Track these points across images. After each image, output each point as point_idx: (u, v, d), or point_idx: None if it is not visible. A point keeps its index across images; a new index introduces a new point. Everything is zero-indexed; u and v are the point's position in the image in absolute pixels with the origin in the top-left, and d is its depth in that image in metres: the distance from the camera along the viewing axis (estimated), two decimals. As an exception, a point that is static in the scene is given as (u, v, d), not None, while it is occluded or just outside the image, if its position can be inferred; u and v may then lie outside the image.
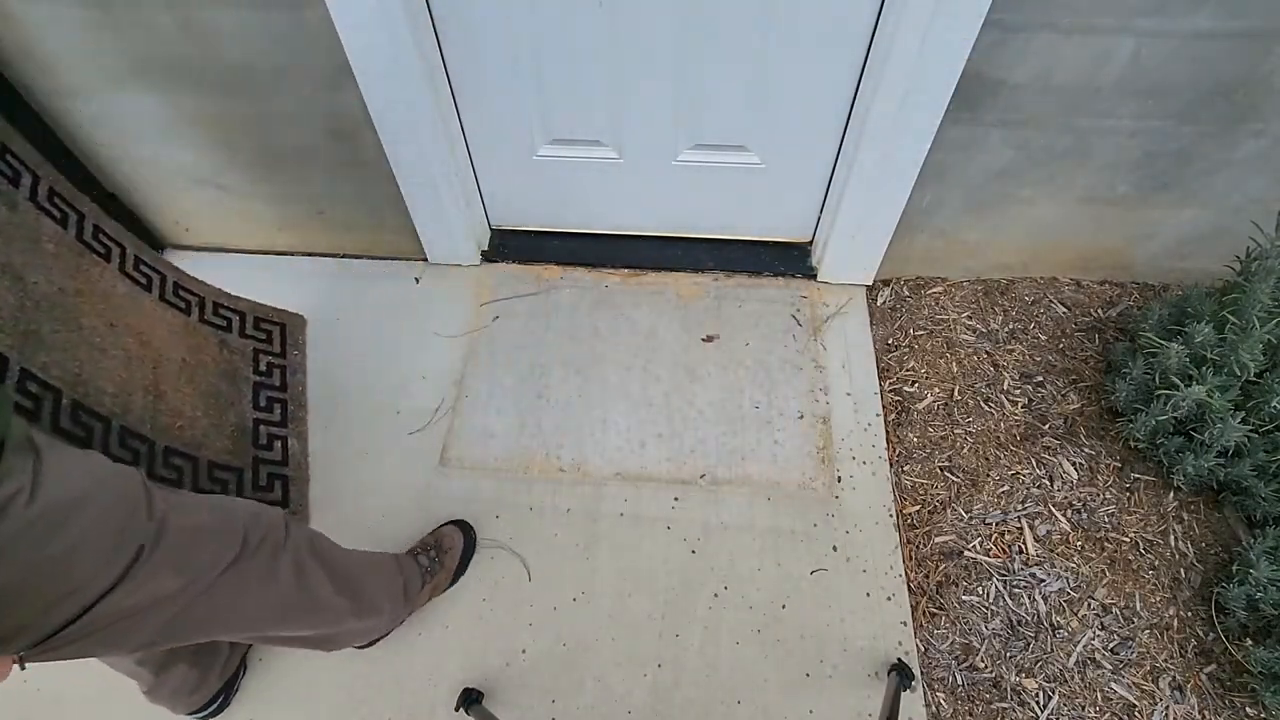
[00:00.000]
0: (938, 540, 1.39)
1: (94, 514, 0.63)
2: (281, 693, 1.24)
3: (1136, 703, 1.22)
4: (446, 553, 1.31)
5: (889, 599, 1.31)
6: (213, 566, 0.76)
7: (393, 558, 1.20)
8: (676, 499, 1.44)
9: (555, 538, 1.39)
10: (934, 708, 1.22)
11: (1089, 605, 1.31)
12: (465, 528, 1.37)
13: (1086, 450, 1.48)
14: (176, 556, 0.71)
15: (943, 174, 1.47)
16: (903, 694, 1.14)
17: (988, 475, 1.46)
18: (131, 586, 0.66)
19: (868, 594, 1.32)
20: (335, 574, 0.98)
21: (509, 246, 1.84)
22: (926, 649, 1.28)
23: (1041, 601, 1.32)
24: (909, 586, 1.33)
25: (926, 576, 1.36)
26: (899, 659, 1.24)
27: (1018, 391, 1.58)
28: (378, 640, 1.25)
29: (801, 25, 1.29)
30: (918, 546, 1.39)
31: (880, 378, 1.61)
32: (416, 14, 1.28)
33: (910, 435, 1.53)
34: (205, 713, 1.18)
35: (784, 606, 1.31)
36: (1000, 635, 1.29)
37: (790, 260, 1.80)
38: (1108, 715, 1.21)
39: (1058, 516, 1.41)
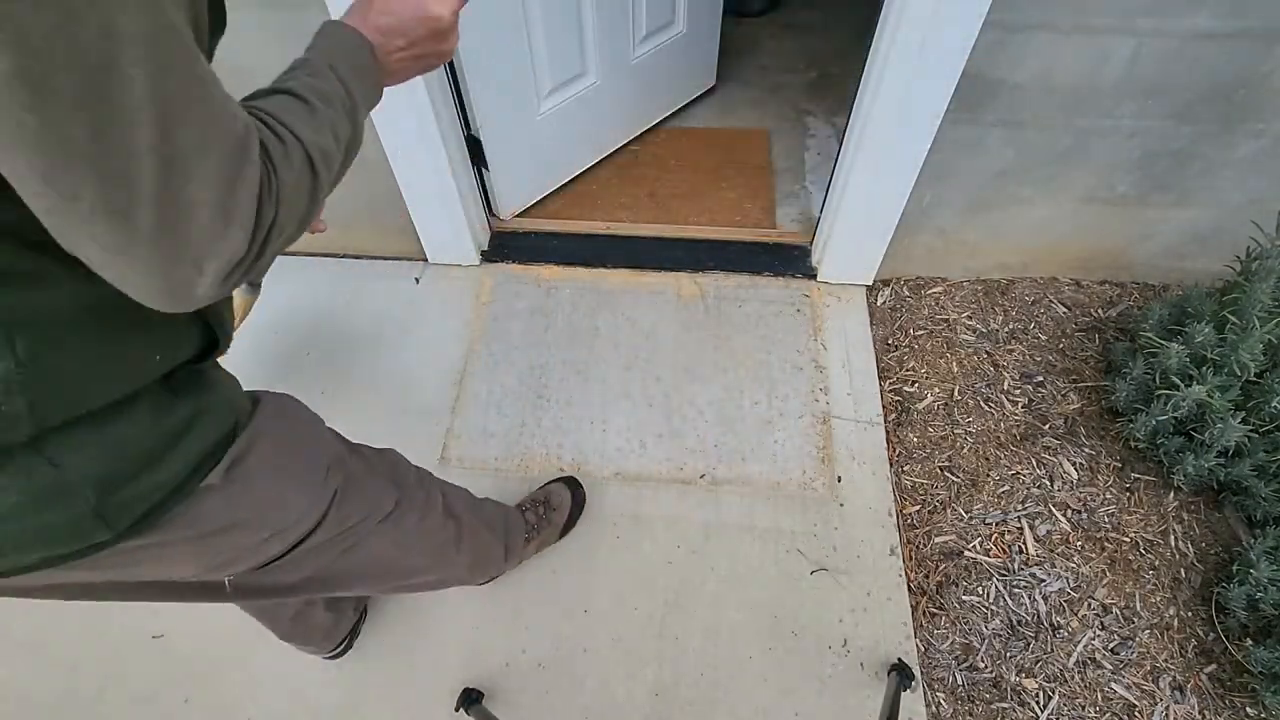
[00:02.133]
0: (938, 540, 1.39)
1: (306, 456, 0.68)
2: (282, 692, 1.24)
3: (1136, 703, 1.22)
4: (555, 510, 1.33)
5: (889, 599, 1.31)
6: (381, 512, 0.79)
7: (506, 513, 1.21)
8: (676, 499, 1.44)
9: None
10: (934, 708, 1.22)
11: (1089, 605, 1.31)
12: (574, 485, 1.40)
13: (1086, 450, 1.48)
14: (358, 502, 0.74)
15: (943, 174, 1.47)
16: (903, 694, 1.14)
17: (988, 475, 1.46)
18: (327, 528, 0.69)
19: (868, 594, 1.32)
20: (464, 530, 1.01)
21: (509, 246, 1.84)
22: (926, 649, 1.28)
23: (1041, 601, 1.32)
24: (909, 586, 1.33)
25: (926, 576, 1.36)
26: (899, 659, 1.24)
27: (1018, 391, 1.58)
28: (492, 579, 1.28)
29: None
30: (918, 546, 1.39)
31: (880, 378, 1.61)
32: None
33: (910, 435, 1.53)
34: (336, 653, 1.23)
35: (784, 606, 1.31)
36: (1000, 635, 1.29)
37: (790, 260, 1.80)
38: (1108, 715, 1.21)
39: (1058, 516, 1.41)
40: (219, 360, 0.62)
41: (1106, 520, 1.40)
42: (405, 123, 1.43)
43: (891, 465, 1.48)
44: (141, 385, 0.50)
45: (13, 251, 0.39)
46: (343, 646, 1.23)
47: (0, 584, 0.53)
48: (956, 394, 1.57)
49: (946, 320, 1.70)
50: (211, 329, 0.56)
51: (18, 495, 0.45)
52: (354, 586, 0.82)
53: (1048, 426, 1.52)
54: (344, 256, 1.84)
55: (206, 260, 0.38)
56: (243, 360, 1.64)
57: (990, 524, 1.40)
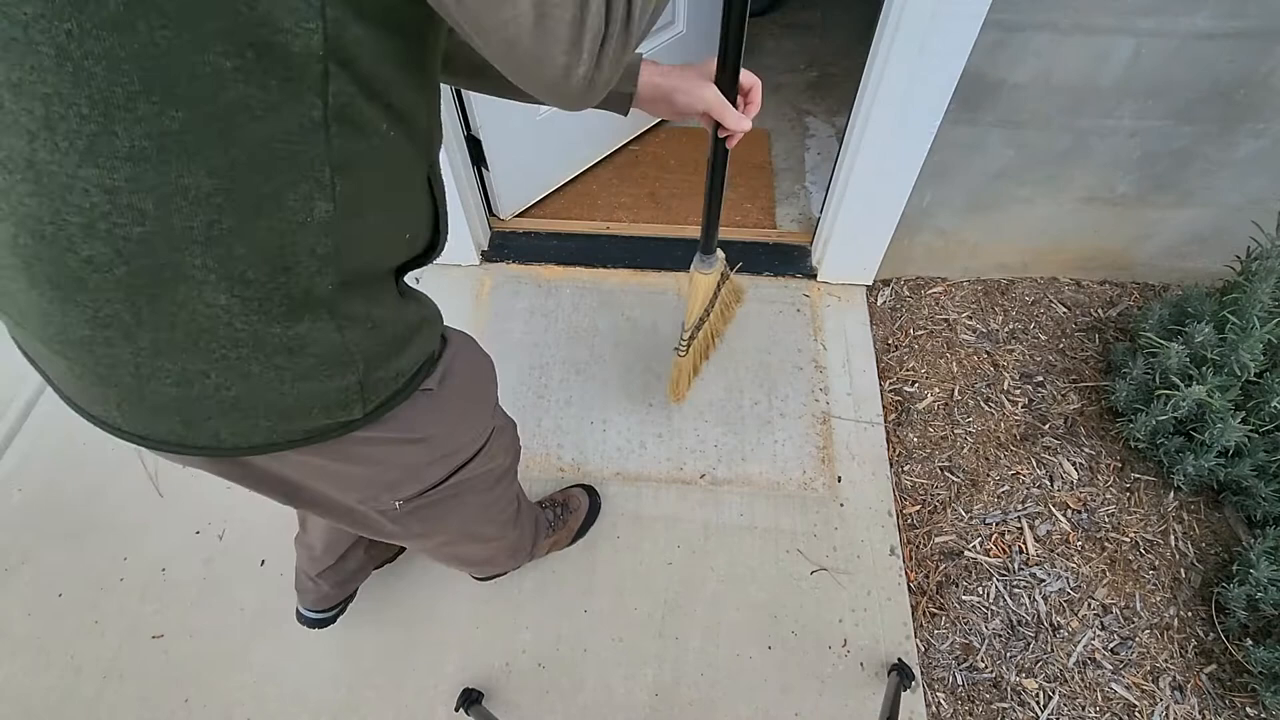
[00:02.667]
0: (938, 540, 1.39)
1: (484, 389, 0.75)
2: (282, 692, 1.24)
3: (1136, 703, 1.22)
4: (572, 513, 1.35)
5: (889, 599, 1.31)
6: (500, 469, 0.84)
7: (535, 508, 1.23)
8: (676, 499, 1.44)
9: (555, 538, 1.39)
10: (934, 708, 1.22)
11: (1089, 605, 1.31)
12: (592, 492, 1.41)
13: (1086, 450, 1.48)
14: (497, 449, 0.79)
15: (943, 174, 1.47)
16: (903, 694, 1.14)
17: (988, 475, 1.46)
18: (474, 466, 0.74)
19: (868, 594, 1.32)
20: (520, 511, 1.05)
21: (509, 246, 1.84)
22: (926, 649, 1.28)
23: (1041, 601, 1.32)
24: (909, 586, 1.33)
25: (926, 576, 1.36)
26: (899, 659, 1.23)
27: (1018, 391, 1.58)
28: (494, 577, 1.29)
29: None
30: (918, 546, 1.39)
31: (880, 378, 1.61)
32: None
33: (910, 435, 1.53)
34: (325, 615, 1.22)
35: (784, 606, 1.31)
36: (1000, 635, 1.29)
37: (790, 260, 1.80)
38: (1108, 715, 1.21)
39: (1058, 516, 1.41)
40: None
41: (1106, 520, 1.40)
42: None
43: (891, 465, 1.48)
44: (394, 265, 0.56)
45: (359, 100, 0.42)
46: (335, 612, 1.23)
47: (236, 462, 0.58)
48: (956, 394, 1.57)
49: (946, 320, 1.70)
50: (438, 229, 0.61)
51: (310, 359, 0.49)
52: (432, 537, 0.87)
53: (1048, 426, 1.52)
54: (344, 256, 1.84)
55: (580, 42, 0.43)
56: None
57: (990, 524, 1.40)
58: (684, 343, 1.38)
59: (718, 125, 0.84)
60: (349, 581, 1.21)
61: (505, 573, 1.30)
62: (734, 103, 0.81)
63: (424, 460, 0.67)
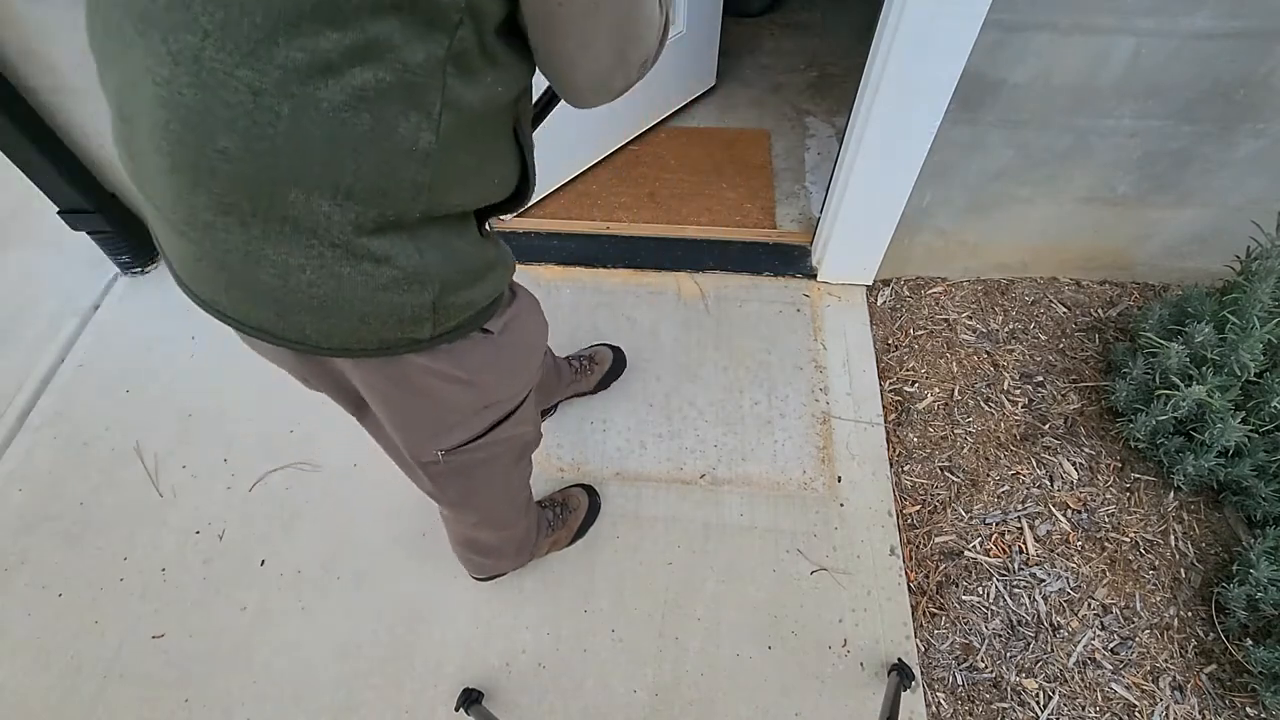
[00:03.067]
0: (938, 540, 1.39)
1: (537, 346, 0.79)
2: (282, 692, 1.24)
3: (1136, 703, 1.22)
4: (572, 512, 1.36)
5: (889, 599, 1.31)
6: (526, 437, 0.88)
7: (537, 506, 1.26)
8: (676, 499, 1.44)
9: (555, 538, 1.39)
10: (934, 708, 1.22)
11: (1089, 605, 1.31)
12: (591, 492, 1.42)
13: (1086, 450, 1.48)
14: (529, 412, 0.83)
15: (943, 174, 1.47)
16: (903, 694, 1.14)
17: (988, 475, 1.46)
18: (509, 425, 0.78)
19: (868, 594, 1.32)
20: (530, 502, 1.13)
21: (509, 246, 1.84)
22: (926, 649, 1.28)
23: (1041, 601, 1.32)
24: (909, 586, 1.33)
25: (926, 576, 1.36)
26: (899, 659, 1.23)
27: (1018, 391, 1.58)
28: (493, 578, 1.31)
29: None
30: (918, 546, 1.39)
31: (880, 378, 1.61)
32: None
33: (910, 435, 1.53)
34: None
35: (784, 606, 1.31)
36: (1000, 635, 1.29)
37: (790, 260, 1.80)
38: (1108, 715, 1.21)
39: (1058, 516, 1.41)
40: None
41: (1106, 520, 1.40)
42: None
43: (891, 465, 1.48)
44: (481, 205, 0.60)
45: (474, 50, 0.49)
46: None
47: (316, 361, 0.64)
48: (956, 394, 1.57)
49: (946, 320, 1.70)
50: (526, 183, 0.66)
51: (393, 271, 0.54)
52: (463, 508, 0.94)
53: (1048, 426, 1.52)
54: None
55: (642, 65, 0.60)
56: (243, 359, 1.65)
57: (990, 524, 1.40)
58: None
59: None
60: None
61: (505, 573, 1.30)
62: None
63: (470, 406, 0.72)
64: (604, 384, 1.55)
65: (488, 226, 0.66)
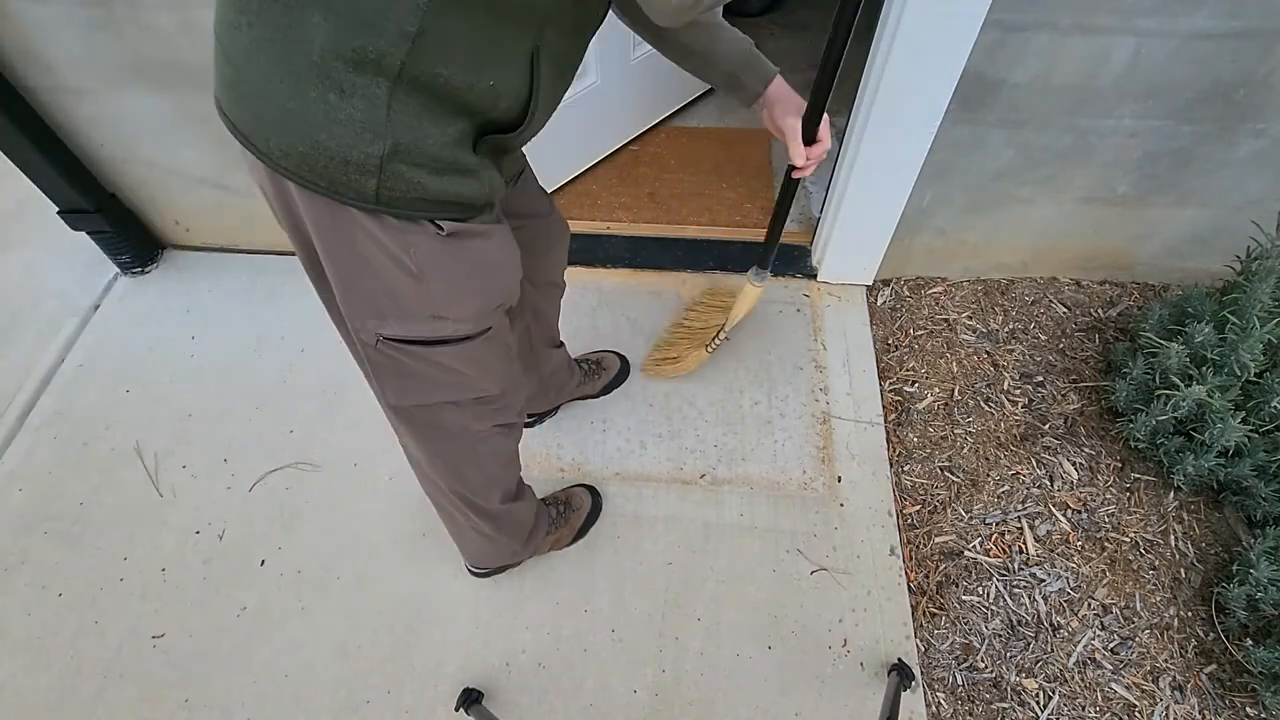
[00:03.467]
0: (938, 540, 1.39)
1: (503, 282, 0.78)
2: (282, 693, 1.24)
3: (1136, 703, 1.22)
4: (574, 511, 1.37)
5: (889, 599, 1.31)
6: (480, 390, 0.87)
7: (538, 501, 1.26)
8: (676, 499, 1.44)
9: (555, 538, 1.39)
10: (934, 708, 1.22)
11: (1089, 605, 1.31)
12: (594, 493, 1.43)
13: (1086, 450, 1.48)
14: (485, 357, 0.83)
15: (943, 174, 1.47)
16: (903, 694, 1.14)
17: (988, 475, 1.46)
18: (460, 354, 0.79)
19: (868, 594, 1.32)
20: (524, 486, 1.17)
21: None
22: (926, 649, 1.28)
23: (1041, 601, 1.32)
24: (909, 586, 1.33)
25: (926, 576, 1.36)
26: (899, 659, 1.23)
27: (1018, 391, 1.58)
28: (493, 572, 1.31)
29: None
30: (918, 546, 1.39)
31: (880, 378, 1.61)
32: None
33: (910, 435, 1.53)
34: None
35: (784, 606, 1.31)
36: (1000, 635, 1.29)
37: (790, 260, 1.80)
38: (1108, 715, 1.21)
39: (1058, 516, 1.41)
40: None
41: (1106, 520, 1.40)
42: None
43: (891, 465, 1.48)
44: (472, 103, 0.60)
45: None
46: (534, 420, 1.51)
47: (277, 180, 0.64)
48: (956, 394, 1.57)
49: (946, 320, 1.70)
50: (526, 115, 0.66)
51: (354, 111, 0.55)
52: (417, 443, 0.94)
53: (1048, 426, 1.52)
54: (344, 256, 1.84)
55: None
56: (243, 360, 1.65)
57: (990, 524, 1.40)
58: (716, 343, 1.52)
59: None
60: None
61: (504, 568, 1.30)
62: (810, 141, 0.98)
63: (414, 302, 0.71)
64: (607, 390, 1.57)
65: (482, 150, 0.67)
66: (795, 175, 1.04)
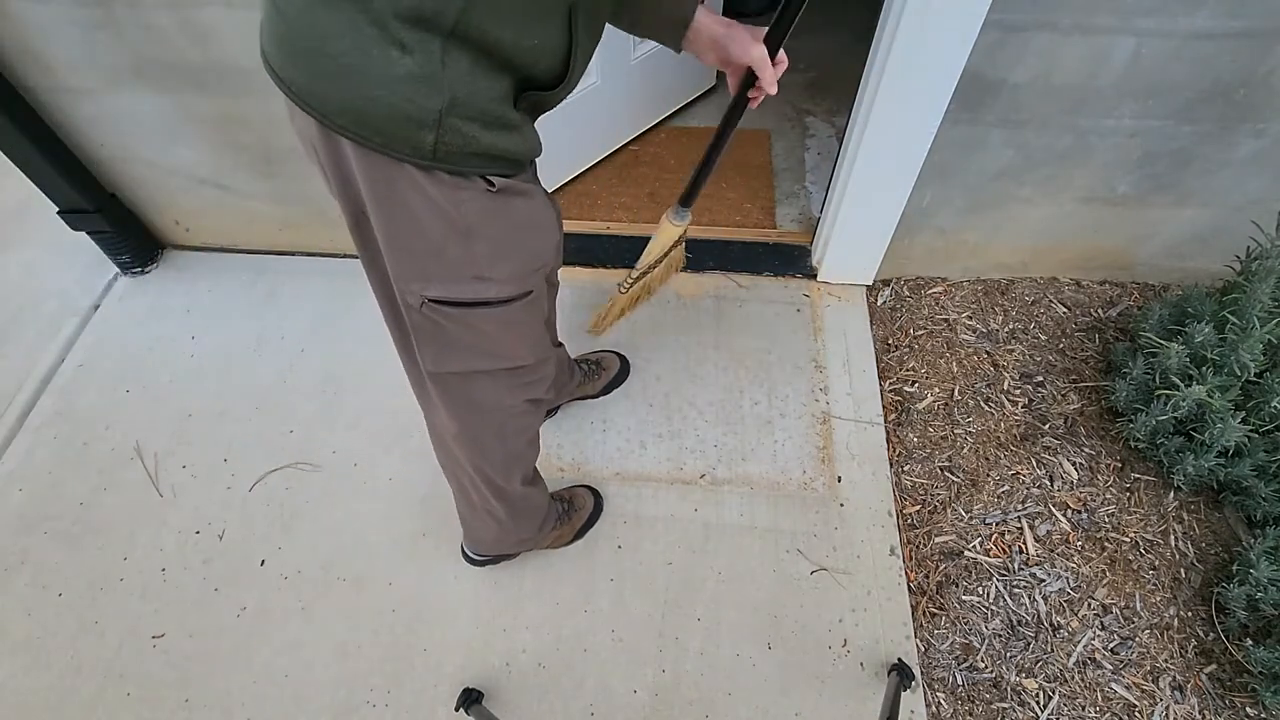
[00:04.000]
0: (938, 540, 1.39)
1: (543, 244, 0.80)
2: (282, 693, 1.24)
3: (1136, 703, 1.22)
4: (577, 511, 1.37)
5: (889, 599, 1.31)
6: (514, 359, 0.88)
7: (545, 488, 1.27)
8: (676, 499, 1.44)
9: (555, 538, 1.39)
10: (934, 708, 1.22)
11: (1089, 605, 1.31)
12: (596, 494, 1.43)
13: (1086, 450, 1.48)
14: (522, 322, 0.84)
15: (943, 174, 1.47)
16: (903, 694, 1.14)
17: (988, 475, 1.46)
18: (500, 317, 0.79)
19: (868, 594, 1.32)
20: (538, 473, 1.17)
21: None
22: (926, 649, 1.28)
23: (1041, 601, 1.32)
24: (909, 586, 1.33)
25: (926, 576, 1.36)
26: (899, 659, 1.24)
27: (1018, 391, 1.58)
28: (494, 561, 1.31)
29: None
30: (918, 546, 1.39)
31: (880, 378, 1.61)
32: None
33: (910, 435, 1.53)
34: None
35: (784, 606, 1.31)
36: (1000, 635, 1.29)
37: (790, 260, 1.80)
38: (1108, 715, 1.21)
39: (1058, 516, 1.41)
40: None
41: (1106, 520, 1.40)
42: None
43: (891, 465, 1.48)
44: (514, 63, 0.62)
45: None
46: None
47: (331, 140, 0.64)
48: (956, 394, 1.57)
49: (946, 320, 1.70)
50: (567, 72, 0.68)
51: (413, 65, 0.56)
52: (456, 420, 0.94)
53: (1048, 426, 1.52)
54: (344, 256, 1.84)
55: None
56: (243, 360, 1.65)
57: (990, 524, 1.40)
58: (629, 281, 1.52)
59: (745, 84, 0.94)
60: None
61: (500, 558, 1.30)
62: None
63: (459, 260, 0.72)
64: (607, 390, 1.58)
65: (522, 106, 0.68)
66: (753, 106, 0.99)
